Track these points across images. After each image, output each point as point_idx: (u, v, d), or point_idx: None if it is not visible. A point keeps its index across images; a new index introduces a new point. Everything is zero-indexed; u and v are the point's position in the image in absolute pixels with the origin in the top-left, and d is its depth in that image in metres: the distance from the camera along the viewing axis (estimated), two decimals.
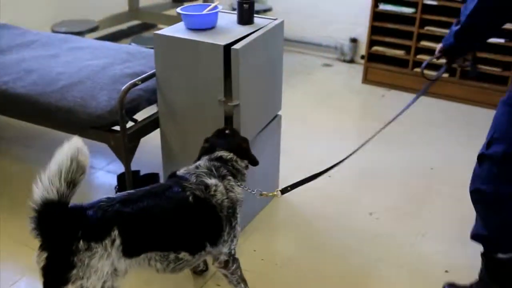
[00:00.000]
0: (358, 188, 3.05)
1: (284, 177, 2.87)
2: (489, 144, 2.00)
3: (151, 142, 2.72)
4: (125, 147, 2.42)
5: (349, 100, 4.30)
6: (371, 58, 4.46)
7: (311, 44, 5.07)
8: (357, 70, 4.70)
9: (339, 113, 3.99)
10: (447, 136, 3.60)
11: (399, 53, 4.32)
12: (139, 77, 2.45)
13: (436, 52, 2.29)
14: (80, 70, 2.73)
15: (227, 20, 2.53)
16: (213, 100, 2.34)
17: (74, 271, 1.59)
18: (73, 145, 1.55)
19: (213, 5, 2.44)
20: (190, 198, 1.87)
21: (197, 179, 1.93)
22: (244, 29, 2.42)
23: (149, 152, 2.86)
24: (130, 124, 2.52)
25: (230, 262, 2.05)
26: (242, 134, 2.31)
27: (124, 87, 2.38)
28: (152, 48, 2.57)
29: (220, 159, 2.05)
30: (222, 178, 1.98)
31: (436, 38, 4.02)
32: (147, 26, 5.36)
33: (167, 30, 2.41)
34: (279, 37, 2.56)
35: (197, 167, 2.00)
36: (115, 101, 2.41)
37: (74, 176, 1.55)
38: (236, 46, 2.19)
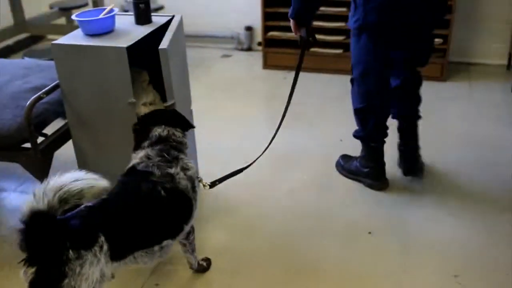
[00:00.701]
0: (276, 169, 3.15)
1: (204, 172, 2.91)
2: (351, 69, 2.76)
3: (64, 154, 2.66)
4: (39, 164, 2.35)
5: (253, 87, 4.40)
6: (268, 43, 4.58)
7: (207, 37, 5.11)
8: (256, 57, 4.81)
9: (245, 100, 4.08)
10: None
11: (294, 35, 4.44)
12: (43, 90, 2.37)
13: (295, 31, 2.71)
14: None
15: (124, 21, 2.52)
16: (123, 103, 2.32)
17: (66, 280, 1.60)
18: (93, 181, 1.63)
19: (109, 8, 2.41)
20: (162, 192, 1.93)
21: (161, 171, 1.98)
22: (144, 29, 2.43)
23: (63, 165, 2.78)
24: (40, 139, 2.45)
25: (191, 232, 2.18)
26: None
27: (28, 102, 2.30)
28: (48, 60, 2.50)
29: (160, 139, 2.08)
30: (176, 160, 2.04)
31: (327, 17, 4.21)
32: (36, 39, 5.16)
33: (65, 39, 2.36)
34: (181, 33, 2.59)
35: (149, 158, 2.02)
36: (21, 118, 2.33)
37: (70, 197, 1.57)
38: (163, 46, 2.22)
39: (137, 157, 2.06)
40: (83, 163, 2.57)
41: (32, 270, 1.59)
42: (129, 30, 2.42)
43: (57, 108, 2.50)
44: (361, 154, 2.95)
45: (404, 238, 2.53)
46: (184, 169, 2.05)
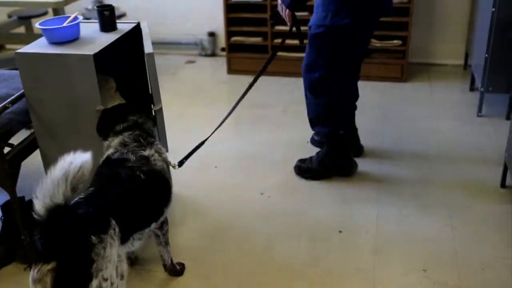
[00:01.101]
0: (245, 173, 3.17)
1: (175, 177, 2.91)
2: (312, 70, 2.83)
3: (32, 164, 2.62)
4: (6, 175, 2.31)
5: (218, 92, 4.41)
6: (232, 48, 4.61)
7: (170, 43, 5.10)
8: (220, 62, 4.83)
9: (211, 106, 4.09)
10: None
11: (257, 40, 4.52)
12: (8, 100, 2.34)
13: (289, 20, 2.77)
14: None
15: (89, 29, 2.50)
16: (91, 111, 2.31)
17: (95, 265, 1.63)
18: (85, 156, 1.62)
19: (73, 15, 2.40)
20: (142, 175, 1.99)
21: (135, 155, 2.03)
22: (110, 36, 2.42)
23: (31, 175, 2.74)
24: (7, 149, 2.41)
25: (165, 223, 2.24)
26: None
27: None
28: (11, 69, 2.47)
29: (136, 125, 2.15)
30: (150, 145, 2.12)
31: None
32: None
33: (29, 48, 2.33)
34: (148, 39, 2.60)
35: (124, 144, 2.08)
36: None
37: (76, 182, 1.58)
38: (148, 50, 2.25)
39: (111, 146, 2.11)
40: None
41: (49, 266, 1.58)
42: (94, 38, 2.41)
43: (22, 118, 2.47)
44: (324, 149, 3.00)
45: (373, 235, 2.58)
46: (158, 152, 2.13)
